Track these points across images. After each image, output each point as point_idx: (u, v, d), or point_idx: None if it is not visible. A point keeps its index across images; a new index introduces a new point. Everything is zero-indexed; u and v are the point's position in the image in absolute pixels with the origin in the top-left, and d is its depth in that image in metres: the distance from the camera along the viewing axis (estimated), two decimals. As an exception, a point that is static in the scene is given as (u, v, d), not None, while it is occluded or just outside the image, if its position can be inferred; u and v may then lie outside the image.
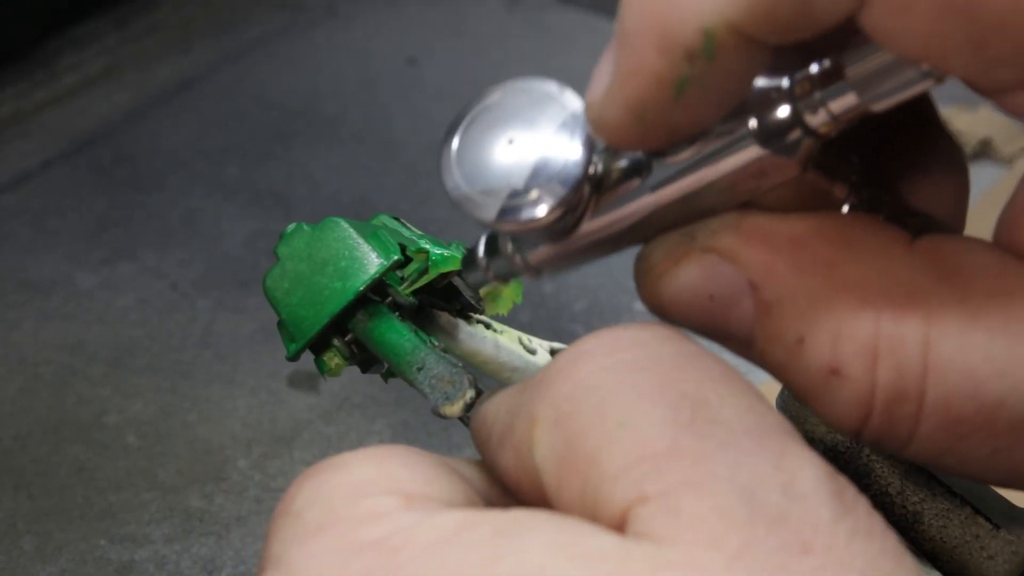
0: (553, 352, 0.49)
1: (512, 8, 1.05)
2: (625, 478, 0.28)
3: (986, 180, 0.82)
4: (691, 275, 0.34)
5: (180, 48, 1.00)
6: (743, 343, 0.34)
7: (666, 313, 0.35)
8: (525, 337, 0.48)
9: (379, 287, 0.42)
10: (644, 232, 0.35)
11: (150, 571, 0.61)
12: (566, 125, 0.35)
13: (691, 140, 0.33)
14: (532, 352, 0.48)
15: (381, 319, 0.42)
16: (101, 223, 0.83)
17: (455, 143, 0.37)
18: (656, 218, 0.34)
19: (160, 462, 0.66)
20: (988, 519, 0.41)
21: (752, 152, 0.32)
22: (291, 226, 0.43)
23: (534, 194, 0.34)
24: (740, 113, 0.32)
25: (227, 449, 0.66)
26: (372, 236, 0.42)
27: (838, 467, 0.42)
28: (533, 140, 0.35)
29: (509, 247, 0.36)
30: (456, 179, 0.37)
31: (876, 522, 0.28)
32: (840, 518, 0.28)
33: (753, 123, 0.32)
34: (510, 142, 0.36)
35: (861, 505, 0.28)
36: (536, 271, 0.36)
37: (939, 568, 0.42)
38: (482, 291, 0.46)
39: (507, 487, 0.32)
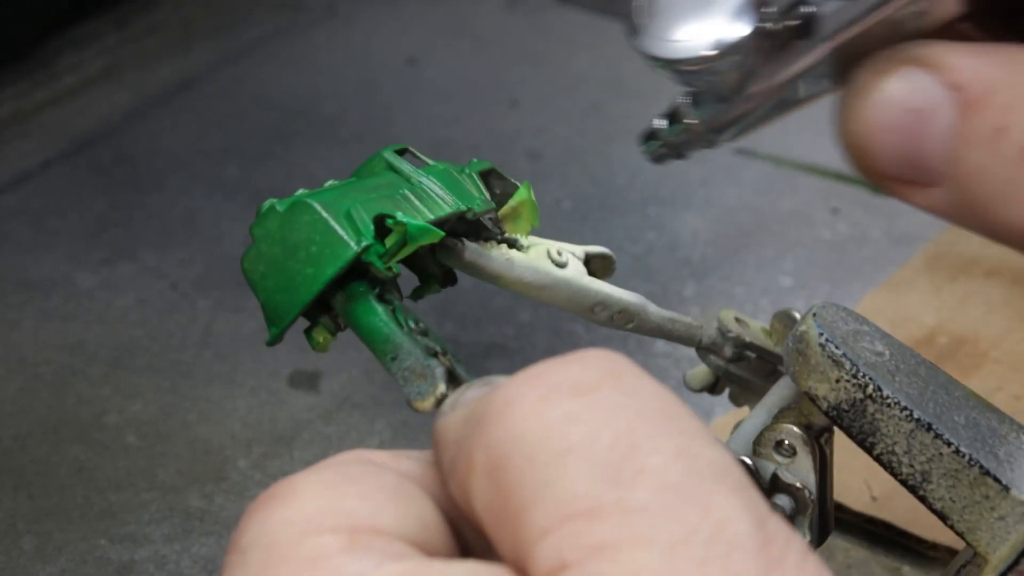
0: (587, 257, 0.48)
1: (512, 8, 1.05)
2: (546, 542, 0.28)
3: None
4: (897, 86, 0.35)
5: (180, 48, 1.00)
6: (936, 172, 0.35)
7: (868, 143, 0.36)
8: (555, 249, 0.46)
9: (359, 264, 0.40)
10: (819, 89, 0.37)
11: (150, 571, 0.61)
12: None
13: None
14: (562, 266, 0.47)
15: (358, 301, 0.41)
16: (101, 223, 0.82)
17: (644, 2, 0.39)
18: (828, 69, 0.36)
19: (160, 462, 0.66)
20: (997, 480, 0.41)
21: None
22: (265, 204, 0.42)
23: (726, 28, 0.36)
24: None
25: (227, 449, 0.66)
26: (346, 215, 0.40)
27: (839, 424, 0.42)
28: None
29: (689, 114, 0.38)
30: (647, 20, 0.38)
31: (807, 570, 0.28)
32: (766, 572, 0.27)
33: None
34: None
35: (791, 554, 0.28)
36: (714, 137, 0.38)
37: (950, 527, 0.42)
38: (500, 212, 0.46)
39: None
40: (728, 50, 0.36)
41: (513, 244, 0.46)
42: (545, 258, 0.46)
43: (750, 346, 0.51)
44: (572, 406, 0.30)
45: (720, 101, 0.38)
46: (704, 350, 0.50)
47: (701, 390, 0.51)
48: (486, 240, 0.45)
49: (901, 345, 0.45)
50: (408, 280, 0.47)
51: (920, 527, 0.59)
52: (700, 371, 0.52)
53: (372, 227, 0.40)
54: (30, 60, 0.96)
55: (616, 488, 0.28)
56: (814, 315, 0.43)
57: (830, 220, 0.81)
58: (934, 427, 0.41)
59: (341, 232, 0.40)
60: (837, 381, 0.42)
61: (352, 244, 0.40)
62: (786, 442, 0.45)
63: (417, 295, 0.47)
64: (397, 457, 0.34)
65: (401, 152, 0.46)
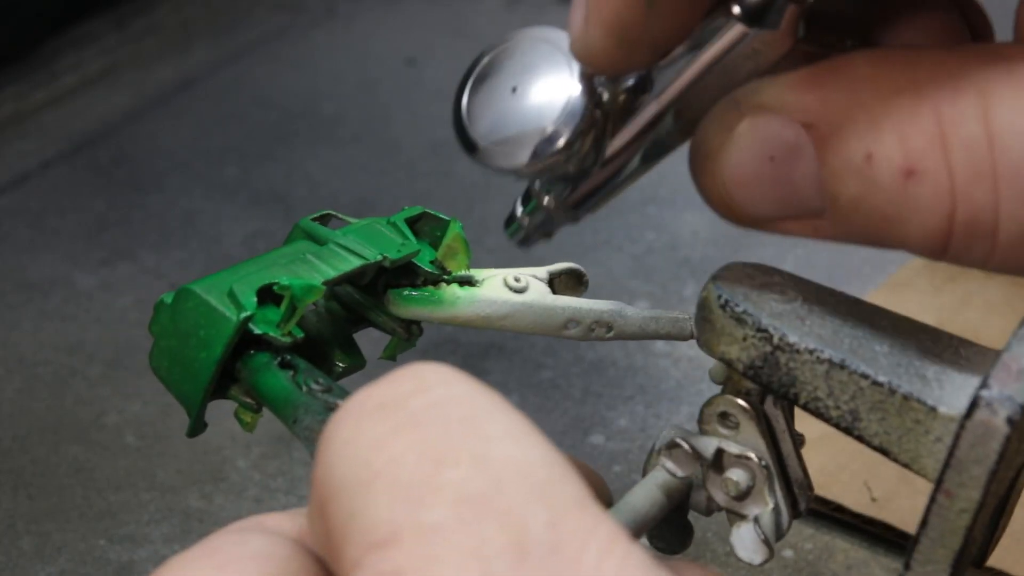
0: (551, 277, 0.48)
1: (512, 8, 1.05)
2: (356, 574, 0.28)
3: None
4: (746, 139, 0.34)
5: (179, 48, 1.00)
6: (814, 205, 0.34)
7: (732, 197, 0.35)
8: (512, 276, 0.46)
9: (253, 337, 0.41)
10: (669, 142, 0.36)
11: (149, 571, 0.60)
12: (560, 64, 0.37)
13: (679, 44, 0.34)
14: (520, 291, 0.46)
15: (259, 372, 0.42)
16: (100, 223, 0.82)
17: (464, 105, 0.38)
18: (672, 123, 0.36)
19: (159, 462, 0.66)
20: (921, 401, 0.39)
21: (738, 31, 0.33)
22: (157, 300, 0.43)
23: (549, 130, 0.35)
24: (722, 3, 0.34)
25: (226, 449, 0.66)
26: (228, 293, 0.42)
27: (761, 383, 0.42)
28: (535, 84, 0.37)
29: (544, 197, 0.38)
30: (475, 138, 0.38)
31: (607, 565, 0.27)
32: (557, 574, 0.27)
33: (736, 9, 0.33)
34: (514, 90, 0.37)
35: (590, 552, 0.27)
36: (575, 213, 0.38)
37: (895, 460, 0.40)
38: (439, 253, 0.46)
39: None
40: (566, 144, 0.36)
41: (466, 281, 0.46)
42: (502, 287, 0.46)
43: None
44: (378, 430, 0.29)
45: (572, 181, 0.38)
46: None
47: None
48: (433, 284, 0.46)
49: (819, 287, 0.43)
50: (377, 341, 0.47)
51: (920, 527, 0.59)
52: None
53: (254, 298, 0.41)
54: (30, 60, 0.96)
55: (414, 510, 0.28)
56: (714, 278, 0.42)
57: (830, 220, 0.81)
58: (847, 363, 0.40)
59: (222, 309, 0.41)
60: (744, 339, 0.41)
61: (232, 317, 0.41)
62: (728, 413, 0.44)
63: (387, 353, 0.47)
64: (294, 516, 0.33)
65: (324, 219, 0.47)
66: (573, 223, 0.39)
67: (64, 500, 0.64)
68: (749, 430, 0.43)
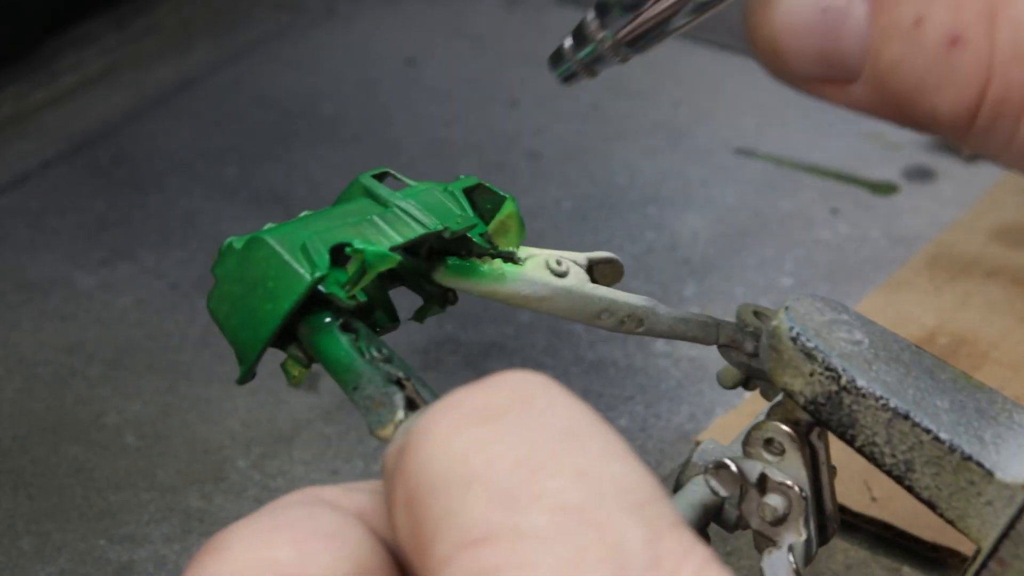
0: (590, 264, 0.48)
1: (512, 8, 1.04)
2: (444, 572, 0.28)
3: (983, 174, 0.82)
4: None
5: (179, 48, 1.00)
6: (854, 65, 0.34)
7: (779, 45, 0.35)
8: (554, 258, 0.46)
9: (320, 295, 0.41)
10: None
11: (149, 571, 0.61)
12: None
13: None
14: (561, 275, 0.46)
15: (321, 333, 0.41)
16: (100, 223, 0.82)
17: None
18: None
19: (159, 462, 0.66)
20: (980, 464, 0.40)
21: None
22: (225, 242, 0.42)
23: None
24: None
25: (226, 449, 0.66)
26: (301, 248, 0.41)
27: (818, 419, 0.42)
28: None
29: (598, 33, 0.38)
30: None
31: None
32: None
33: None
34: None
35: (686, 570, 0.28)
36: (626, 51, 0.38)
37: (940, 515, 0.41)
38: (490, 227, 0.46)
39: None
40: None
41: (509, 258, 0.46)
42: (543, 268, 0.46)
43: None
44: (477, 434, 0.29)
45: (628, 10, 0.38)
46: (724, 347, 0.50)
47: (734, 386, 0.50)
48: (479, 256, 0.45)
49: (884, 331, 0.44)
50: (410, 300, 0.47)
51: (920, 528, 0.59)
52: (730, 368, 0.51)
53: (328, 257, 0.41)
54: (30, 60, 0.96)
55: (512, 513, 0.28)
56: (786, 308, 0.42)
57: (830, 220, 0.81)
58: (912, 415, 0.40)
59: (295, 265, 0.40)
60: (811, 375, 0.41)
61: (306, 276, 0.40)
62: (775, 440, 0.44)
63: (420, 316, 0.47)
64: (349, 492, 0.33)
65: (381, 176, 0.46)
66: (622, 63, 0.39)
67: (64, 500, 0.64)
68: (793, 459, 0.44)
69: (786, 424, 0.44)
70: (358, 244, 0.41)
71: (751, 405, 0.65)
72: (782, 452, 0.44)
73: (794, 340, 0.42)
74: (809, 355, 0.41)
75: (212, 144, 0.90)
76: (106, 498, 0.64)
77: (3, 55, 0.95)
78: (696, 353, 0.70)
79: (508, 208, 0.46)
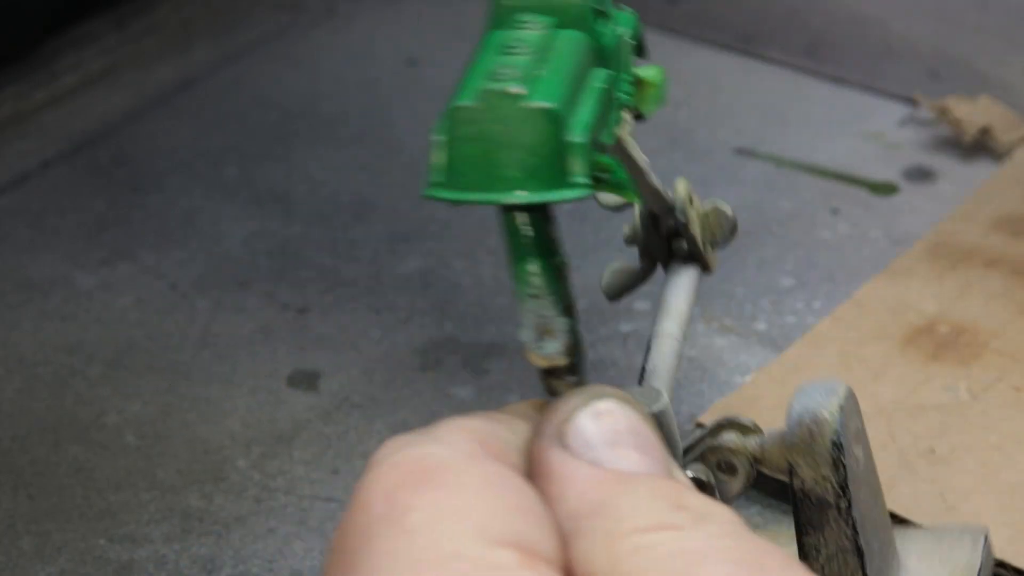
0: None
1: (512, 8, 1.04)
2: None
3: (983, 174, 0.82)
4: None
5: (180, 48, 1.00)
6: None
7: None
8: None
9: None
10: None
11: (149, 571, 0.61)
12: None
13: None
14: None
15: (540, 222, 0.36)
16: (100, 223, 0.82)
17: None
18: None
19: (159, 462, 0.66)
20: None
21: None
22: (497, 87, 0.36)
23: None
24: None
25: (226, 449, 0.66)
26: (582, 147, 0.35)
27: (796, 505, 0.43)
28: None
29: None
30: None
31: None
32: None
33: None
34: None
35: None
36: None
37: None
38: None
39: None
40: None
41: (639, 117, 0.44)
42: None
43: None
44: (390, 512, 0.29)
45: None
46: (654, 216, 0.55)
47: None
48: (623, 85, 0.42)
49: (868, 445, 0.46)
50: None
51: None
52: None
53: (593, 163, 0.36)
54: (30, 60, 0.96)
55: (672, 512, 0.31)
56: (841, 408, 0.43)
57: (830, 220, 0.80)
58: (863, 556, 0.43)
59: (575, 166, 0.35)
60: (823, 478, 0.43)
61: (579, 190, 0.35)
62: (734, 467, 0.45)
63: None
64: (503, 446, 0.32)
65: None
66: None
67: (64, 500, 0.64)
68: (737, 487, 0.45)
69: (710, 467, 0.46)
70: (608, 161, 0.37)
71: (751, 389, 0.66)
72: (731, 476, 0.46)
73: (834, 444, 0.43)
74: (835, 466, 0.43)
75: (212, 144, 0.90)
76: (106, 498, 0.64)
77: (3, 55, 0.95)
78: (695, 353, 0.70)
79: (657, 77, 0.43)
